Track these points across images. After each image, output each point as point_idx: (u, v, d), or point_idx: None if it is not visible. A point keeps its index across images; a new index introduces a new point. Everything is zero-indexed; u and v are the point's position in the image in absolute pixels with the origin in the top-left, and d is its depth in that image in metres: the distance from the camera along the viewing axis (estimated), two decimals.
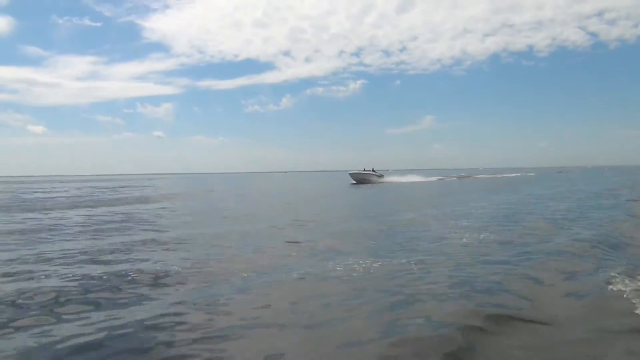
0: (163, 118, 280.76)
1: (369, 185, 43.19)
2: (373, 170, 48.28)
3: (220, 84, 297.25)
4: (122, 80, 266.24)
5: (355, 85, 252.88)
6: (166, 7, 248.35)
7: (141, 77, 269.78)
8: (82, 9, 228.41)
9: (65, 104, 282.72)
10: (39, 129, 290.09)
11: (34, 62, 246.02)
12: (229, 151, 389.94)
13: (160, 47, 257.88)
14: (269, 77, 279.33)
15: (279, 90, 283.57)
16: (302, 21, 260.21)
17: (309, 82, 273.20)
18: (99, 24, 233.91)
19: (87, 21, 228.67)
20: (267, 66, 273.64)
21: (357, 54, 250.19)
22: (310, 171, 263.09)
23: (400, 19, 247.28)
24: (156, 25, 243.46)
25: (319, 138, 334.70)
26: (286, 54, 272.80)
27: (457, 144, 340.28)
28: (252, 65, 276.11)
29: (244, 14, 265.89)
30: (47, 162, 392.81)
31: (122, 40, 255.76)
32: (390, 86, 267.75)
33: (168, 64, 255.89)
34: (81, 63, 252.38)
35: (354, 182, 46.64)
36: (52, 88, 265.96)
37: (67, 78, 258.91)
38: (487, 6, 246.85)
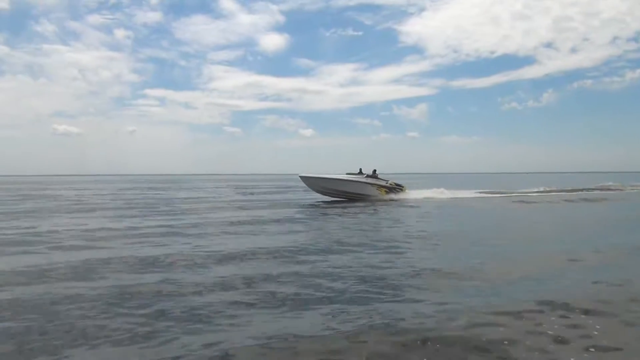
0: (417, 119, 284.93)
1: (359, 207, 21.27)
2: (374, 174, 25.75)
3: (474, 82, 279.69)
4: (379, 84, 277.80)
5: (633, 75, 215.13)
6: (422, 9, 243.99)
7: (397, 80, 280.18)
8: (345, 20, 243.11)
9: (330, 108, 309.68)
10: (308, 132, 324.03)
11: (304, 72, 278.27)
12: (483, 151, 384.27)
13: (416, 50, 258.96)
14: (529, 72, 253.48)
15: (539, 85, 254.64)
16: (568, 9, 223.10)
17: (575, 74, 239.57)
18: (360, 33, 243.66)
19: (350, 31, 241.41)
20: (526, 60, 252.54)
21: (635, 38, 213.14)
22: (571, 172, 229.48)
23: None
24: (412, 29, 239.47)
25: (584, 136, 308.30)
26: (548, 45, 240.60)
27: None
28: (509, 61, 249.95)
29: (502, 8, 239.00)
30: (314, 162, 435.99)
31: (380, 46, 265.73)
32: None
33: (422, 65, 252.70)
34: (344, 70, 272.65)
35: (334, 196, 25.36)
36: (318, 95, 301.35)
37: (332, 85, 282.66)
38: None
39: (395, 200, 24.53)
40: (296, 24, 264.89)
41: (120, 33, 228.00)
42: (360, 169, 25.85)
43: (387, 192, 25.45)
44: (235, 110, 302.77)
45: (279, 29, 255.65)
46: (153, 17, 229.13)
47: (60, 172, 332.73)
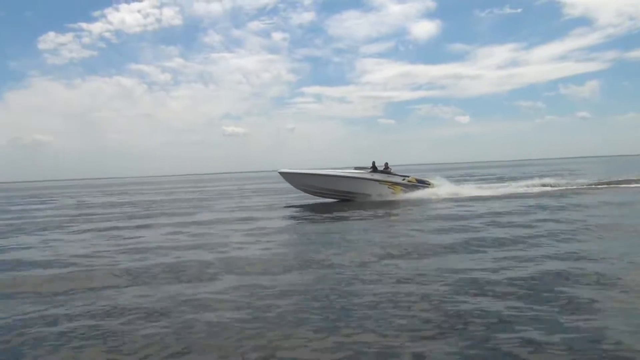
0: (588, 97, 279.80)
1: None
2: (386, 168, 21.06)
3: None
4: (541, 63, 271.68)
5: None
6: None
7: (561, 57, 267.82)
8: None
9: (487, 93, 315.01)
10: (464, 118, 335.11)
11: (458, 57, 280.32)
12: None
13: (583, 22, 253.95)
14: None
15: None
16: None
17: None
18: (518, 10, 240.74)
19: (507, 9, 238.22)
20: None
21: None
22: None
23: None
24: None
25: None
26: None
27: None
28: None
29: None
30: (472, 149, 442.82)
31: (541, 23, 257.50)
32: None
33: (591, 38, 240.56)
34: (501, 52, 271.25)
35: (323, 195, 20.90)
36: (474, 80, 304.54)
37: (488, 68, 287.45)
38: None
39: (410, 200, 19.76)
40: (448, 8, 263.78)
41: (277, 36, 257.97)
42: (374, 163, 21.23)
43: (403, 191, 20.72)
44: (388, 102, 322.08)
45: (430, 15, 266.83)
46: (307, 17, 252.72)
47: (228, 169, 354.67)
